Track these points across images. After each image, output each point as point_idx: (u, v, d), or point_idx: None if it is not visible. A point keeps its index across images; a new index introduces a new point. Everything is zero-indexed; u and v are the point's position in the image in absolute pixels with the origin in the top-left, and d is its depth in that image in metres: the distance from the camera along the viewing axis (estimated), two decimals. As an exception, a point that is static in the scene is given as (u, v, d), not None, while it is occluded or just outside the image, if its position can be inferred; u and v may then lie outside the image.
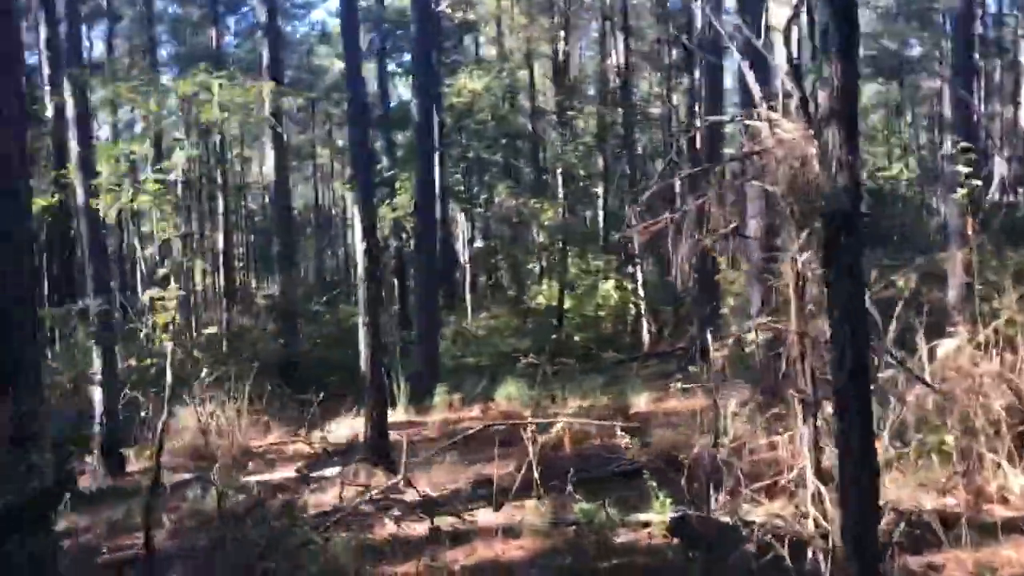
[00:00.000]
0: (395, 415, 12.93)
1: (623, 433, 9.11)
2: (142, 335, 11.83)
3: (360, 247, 9.52)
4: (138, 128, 24.93)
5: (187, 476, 9.96)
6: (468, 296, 23.32)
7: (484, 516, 7.77)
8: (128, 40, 31.54)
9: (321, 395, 13.14)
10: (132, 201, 8.17)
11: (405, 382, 13.62)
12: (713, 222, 5.96)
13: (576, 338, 22.03)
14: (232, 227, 27.11)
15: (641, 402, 12.44)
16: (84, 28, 24.98)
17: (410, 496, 8.23)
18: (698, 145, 15.74)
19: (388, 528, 7.68)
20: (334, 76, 30.06)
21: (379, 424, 9.53)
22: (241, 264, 34.22)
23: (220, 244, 24.35)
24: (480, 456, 9.35)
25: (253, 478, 9.39)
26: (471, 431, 10.02)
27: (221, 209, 24.70)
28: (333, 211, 43.06)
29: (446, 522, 7.52)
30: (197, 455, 11.25)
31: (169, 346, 7.66)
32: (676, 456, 7.48)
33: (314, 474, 9.57)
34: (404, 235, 21.37)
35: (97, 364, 10.44)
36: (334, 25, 28.85)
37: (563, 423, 9.29)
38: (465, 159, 25.70)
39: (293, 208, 26.71)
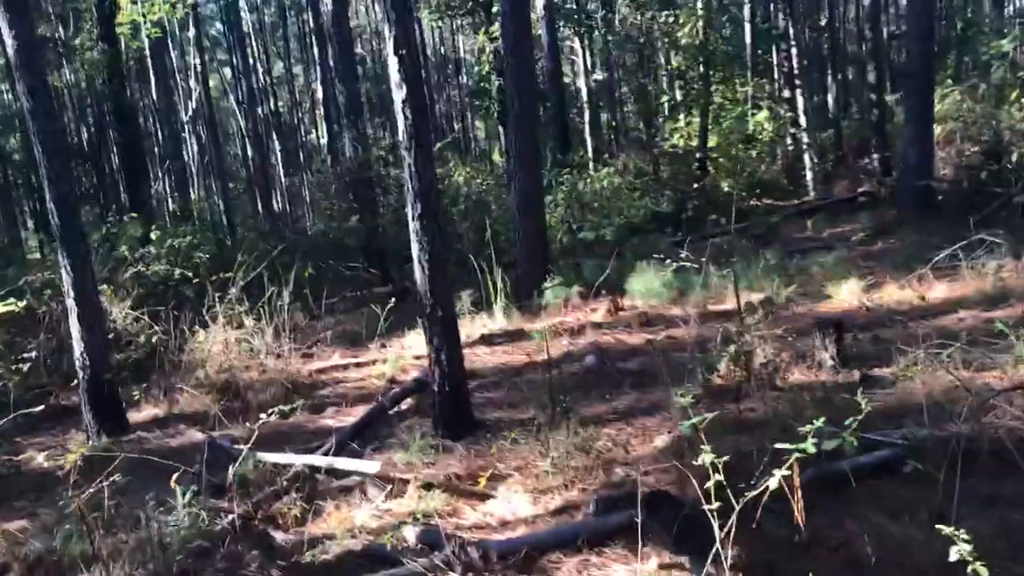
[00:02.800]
0: (490, 324, 9.52)
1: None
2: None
3: (393, 65, 5.79)
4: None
5: (206, 437, 6.96)
6: (589, 143, 19.26)
7: None
8: None
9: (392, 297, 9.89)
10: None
11: (502, 272, 10.11)
12: None
13: (724, 186, 17.90)
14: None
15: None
16: None
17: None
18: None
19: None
20: None
21: (450, 379, 6.12)
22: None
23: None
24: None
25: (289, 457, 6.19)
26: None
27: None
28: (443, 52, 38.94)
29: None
30: (227, 392, 8.23)
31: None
32: None
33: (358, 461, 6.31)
34: (503, 70, 17.31)
35: (66, 279, 7.37)
36: None
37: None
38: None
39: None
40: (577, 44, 20.66)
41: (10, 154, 22.74)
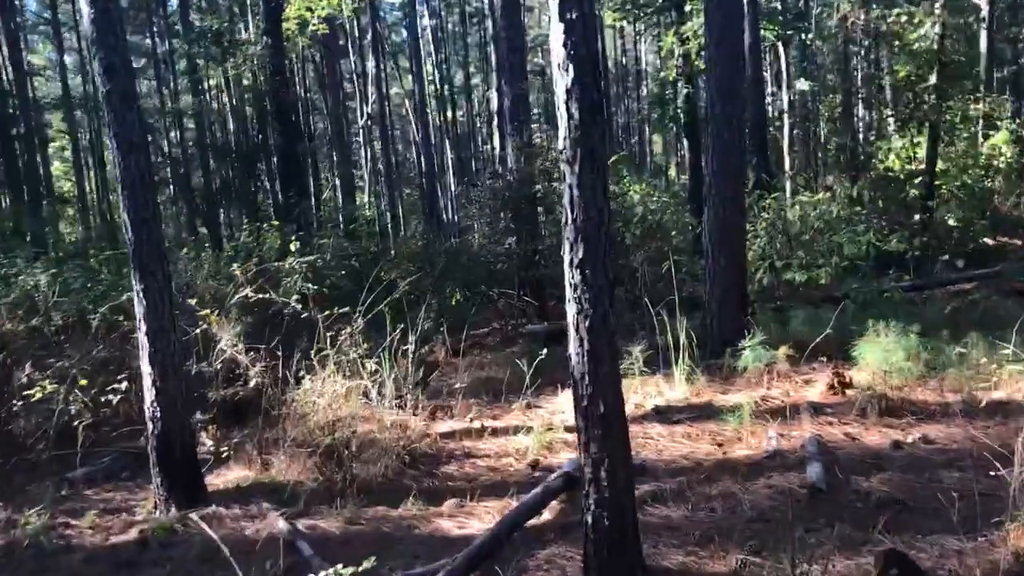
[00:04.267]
0: (667, 391, 7.38)
1: None
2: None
3: (556, 35, 3.80)
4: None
5: (287, 529, 5.28)
6: (787, 162, 16.65)
7: None
8: None
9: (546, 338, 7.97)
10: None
11: (686, 320, 7.95)
12: None
13: (951, 220, 14.91)
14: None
15: None
16: None
17: None
18: None
19: None
20: None
21: (612, 508, 4.05)
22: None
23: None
24: None
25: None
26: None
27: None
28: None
29: None
30: (331, 458, 6.50)
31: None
32: None
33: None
34: (692, 76, 15.14)
35: (138, 309, 5.87)
36: None
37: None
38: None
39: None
40: (780, 49, 18.12)
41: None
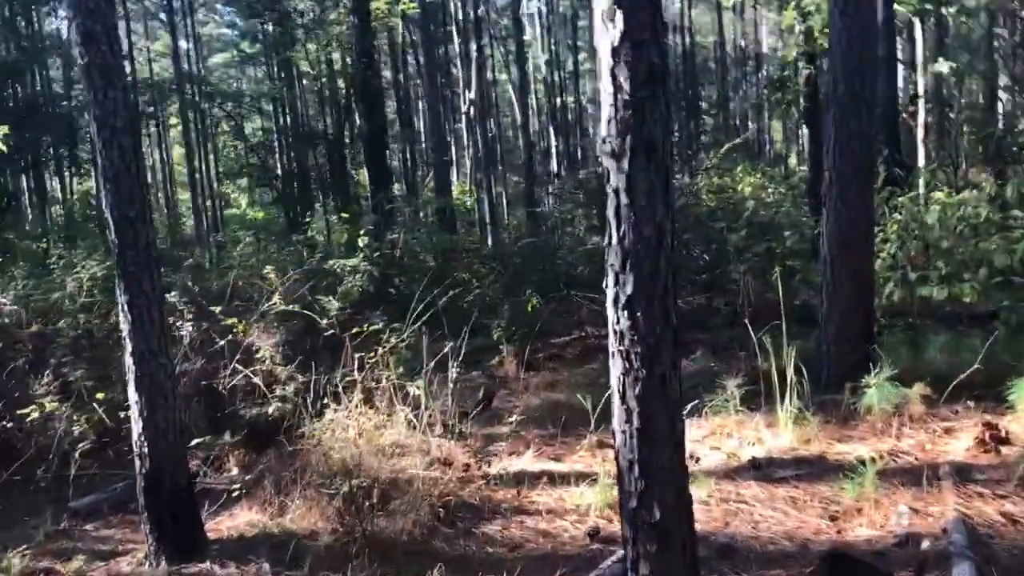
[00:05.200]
0: (768, 436, 6.01)
1: None
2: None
3: None
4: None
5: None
6: (921, 153, 14.69)
7: None
8: None
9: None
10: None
11: (797, 342, 6.50)
12: None
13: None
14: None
15: None
16: None
17: None
18: None
19: None
20: None
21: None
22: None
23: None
24: None
25: None
26: None
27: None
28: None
29: None
30: (355, 503, 5.43)
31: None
32: None
33: None
34: (813, 55, 13.47)
35: (124, 325, 4.92)
36: None
37: None
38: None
39: None
40: (917, 25, 16.11)
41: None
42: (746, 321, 7.01)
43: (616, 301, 2.77)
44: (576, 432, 6.62)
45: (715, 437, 6.14)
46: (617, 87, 2.68)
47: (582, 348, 9.49)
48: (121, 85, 4.90)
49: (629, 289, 2.72)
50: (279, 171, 21.96)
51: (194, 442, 6.52)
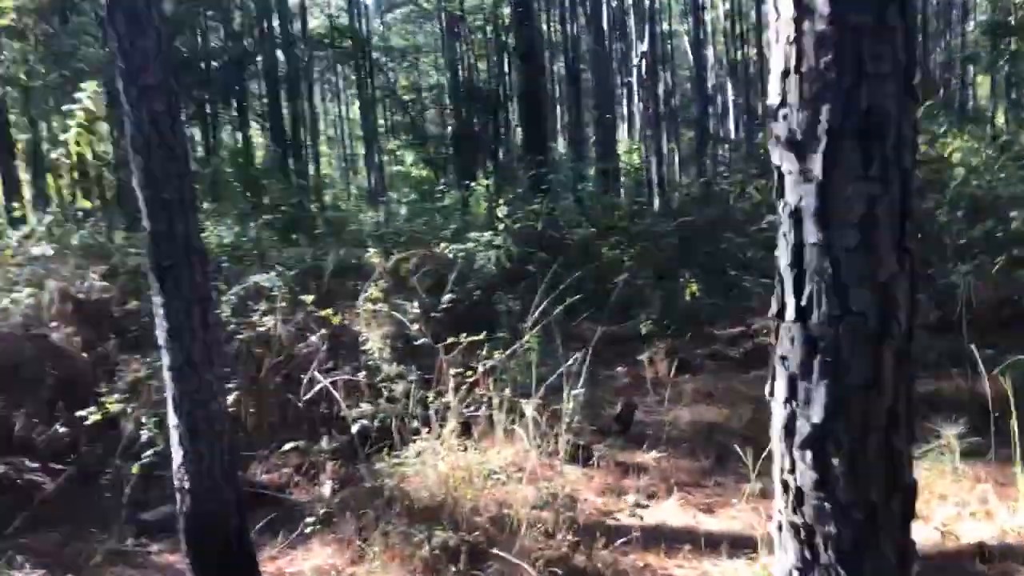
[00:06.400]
0: (1002, 512, 4.38)
1: None
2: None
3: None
4: None
5: None
6: None
7: None
8: None
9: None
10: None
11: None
12: None
13: None
14: None
15: None
16: None
17: None
18: None
19: None
20: None
21: None
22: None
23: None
24: None
25: None
26: None
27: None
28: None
29: None
30: (446, 554, 4.33)
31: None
32: None
33: None
34: None
35: (160, 333, 3.98)
36: None
37: None
38: None
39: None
40: None
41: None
42: (965, 324, 5.36)
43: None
44: (734, 470, 5.22)
45: (921, 498, 4.59)
46: (802, 7, 1.31)
47: (751, 347, 7.97)
48: (155, 32, 3.87)
49: (804, 348, 1.37)
50: (447, 131, 21.20)
51: (288, 446, 5.72)
